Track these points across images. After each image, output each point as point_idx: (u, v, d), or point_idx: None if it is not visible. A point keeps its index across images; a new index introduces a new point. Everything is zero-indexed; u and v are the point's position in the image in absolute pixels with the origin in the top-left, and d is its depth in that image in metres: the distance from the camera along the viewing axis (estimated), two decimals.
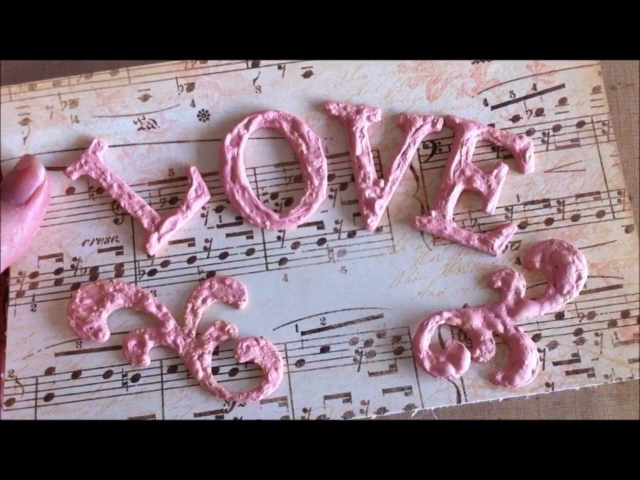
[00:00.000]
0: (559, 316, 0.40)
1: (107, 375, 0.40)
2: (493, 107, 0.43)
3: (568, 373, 0.40)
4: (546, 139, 0.42)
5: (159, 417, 0.40)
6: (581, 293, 0.40)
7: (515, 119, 0.43)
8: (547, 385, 0.39)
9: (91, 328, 0.40)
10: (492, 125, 0.43)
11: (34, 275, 0.42)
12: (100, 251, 0.42)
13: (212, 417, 0.40)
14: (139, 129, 0.43)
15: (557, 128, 0.43)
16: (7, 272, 0.42)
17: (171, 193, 0.43)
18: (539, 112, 0.43)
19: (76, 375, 0.40)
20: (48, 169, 0.42)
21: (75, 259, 0.42)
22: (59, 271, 0.42)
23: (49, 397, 0.40)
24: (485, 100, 0.43)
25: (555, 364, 0.40)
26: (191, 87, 0.43)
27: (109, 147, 0.43)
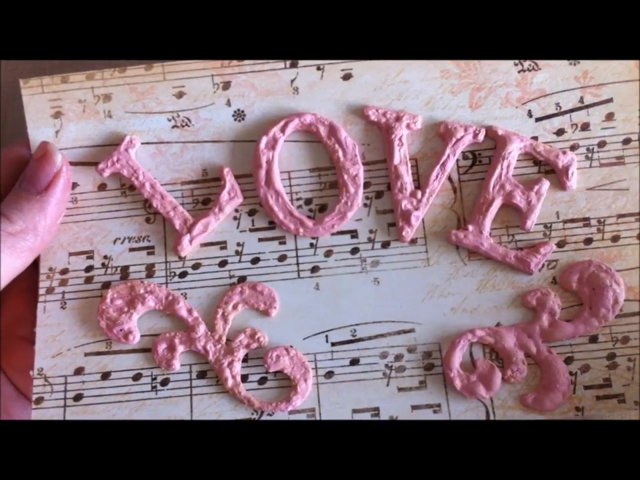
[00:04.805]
0: (593, 339, 0.40)
1: (137, 377, 0.40)
2: (537, 119, 0.42)
3: (598, 397, 0.39)
4: (590, 155, 0.41)
5: None
6: (616, 316, 0.40)
7: (559, 132, 0.41)
8: (577, 409, 0.39)
9: (121, 330, 0.40)
10: (535, 138, 0.41)
11: (64, 271, 0.42)
12: (131, 250, 0.42)
13: None
14: (172, 127, 0.42)
15: (602, 144, 0.41)
16: (36, 266, 0.42)
17: (203, 193, 0.42)
18: (585, 126, 0.41)
19: (105, 376, 0.41)
20: (80, 164, 0.42)
21: (105, 257, 0.42)
22: (89, 268, 0.42)
23: (78, 397, 0.40)
24: (530, 111, 0.42)
25: (586, 388, 0.39)
26: (227, 86, 0.42)
27: (142, 143, 0.42)
